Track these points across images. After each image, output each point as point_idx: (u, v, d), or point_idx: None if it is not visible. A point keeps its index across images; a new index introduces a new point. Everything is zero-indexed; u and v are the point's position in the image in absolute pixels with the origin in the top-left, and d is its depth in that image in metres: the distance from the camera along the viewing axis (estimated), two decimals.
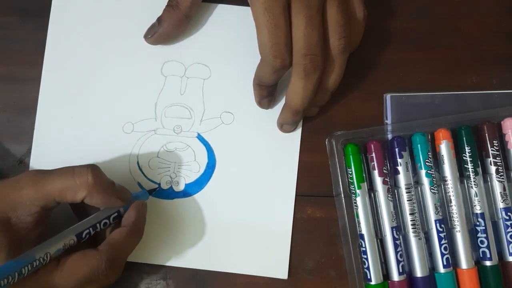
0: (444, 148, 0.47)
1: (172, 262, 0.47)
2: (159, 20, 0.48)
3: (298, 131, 0.49)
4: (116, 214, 0.44)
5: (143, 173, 0.48)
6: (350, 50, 0.46)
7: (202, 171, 0.48)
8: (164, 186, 0.48)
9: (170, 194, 0.48)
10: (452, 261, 0.47)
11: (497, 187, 0.47)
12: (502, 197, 0.47)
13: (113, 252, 0.42)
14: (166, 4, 0.47)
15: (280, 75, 0.44)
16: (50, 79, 0.49)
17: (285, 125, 0.48)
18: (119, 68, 0.49)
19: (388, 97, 0.49)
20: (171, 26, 0.48)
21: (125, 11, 0.49)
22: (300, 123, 0.49)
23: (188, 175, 0.48)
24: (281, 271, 0.47)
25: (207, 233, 0.48)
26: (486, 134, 0.47)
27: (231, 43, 0.49)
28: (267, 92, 0.47)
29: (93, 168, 0.42)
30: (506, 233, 0.47)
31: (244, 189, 0.48)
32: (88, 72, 0.49)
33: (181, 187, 0.48)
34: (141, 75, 0.49)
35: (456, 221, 0.46)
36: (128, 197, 0.44)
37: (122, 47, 0.49)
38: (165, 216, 0.48)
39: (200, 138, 0.49)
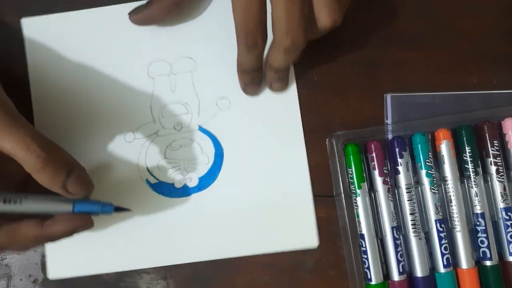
0: (445, 148, 0.47)
1: (201, 257, 0.47)
2: (148, 2, 0.47)
3: (294, 92, 0.49)
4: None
5: (154, 177, 0.48)
6: None
7: (211, 161, 0.48)
8: (178, 184, 0.48)
9: (185, 191, 0.48)
10: (452, 261, 0.47)
11: (498, 187, 0.47)
12: (502, 197, 0.47)
13: (6, 241, 0.40)
14: None
15: (255, 55, 0.44)
16: (42, 108, 0.48)
17: (273, 83, 0.47)
18: (107, 83, 0.48)
19: (388, 97, 0.49)
20: (158, 10, 0.47)
21: (97, 27, 0.49)
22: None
23: (199, 169, 0.48)
24: (310, 240, 0.48)
25: (231, 220, 0.48)
26: (487, 134, 0.47)
27: (211, 31, 0.49)
28: (250, 78, 0.47)
29: (47, 157, 0.39)
30: (507, 233, 0.47)
31: (256, 168, 0.48)
32: (78, 94, 0.48)
33: (195, 182, 0.48)
34: (130, 83, 0.49)
35: (456, 221, 0.46)
36: (81, 195, 0.41)
37: (105, 62, 0.49)
38: (186, 214, 0.48)
39: (202, 130, 0.49)
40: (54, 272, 0.47)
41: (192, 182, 0.48)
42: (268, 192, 0.48)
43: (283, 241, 0.48)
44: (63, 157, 0.41)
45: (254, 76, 0.47)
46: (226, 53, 0.49)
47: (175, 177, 0.48)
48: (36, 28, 0.49)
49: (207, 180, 0.48)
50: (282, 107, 0.49)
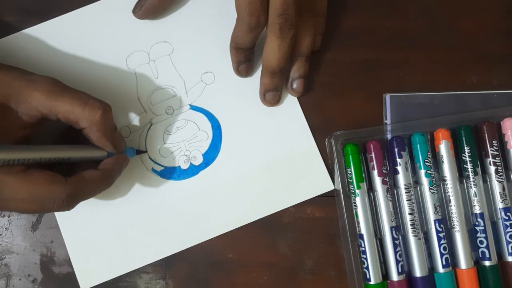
0: (444, 148, 0.47)
1: (226, 228, 0.48)
2: None
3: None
4: (99, 159, 0.44)
5: (159, 164, 0.49)
6: (322, 14, 0.48)
7: (211, 135, 0.49)
8: (184, 166, 0.49)
9: (193, 170, 0.49)
10: (452, 261, 0.47)
11: (497, 187, 0.47)
12: (501, 197, 0.47)
13: (78, 190, 0.42)
14: None
15: (255, 34, 0.45)
16: None
17: (267, 94, 0.48)
18: (90, 83, 0.48)
19: (387, 97, 0.49)
20: None
21: (73, 30, 0.49)
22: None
23: (201, 145, 0.49)
24: (325, 185, 0.49)
25: (245, 186, 0.49)
26: (486, 134, 0.47)
27: (182, 11, 0.49)
28: (244, 56, 0.47)
29: (105, 108, 0.42)
30: (506, 233, 0.47)
31: (255, 131, 0.49)
32: None
33: (200, 159, 0.49)
34: (112, 79, 0.49)
35: (455, 221, 0.46)
36: (120, 149, 0.45)
37: (84, 63, 0.49)
38: (199, 192, 0.48)
39: (193, 107, 0.49)
40: (85, 282, 0.48)
41: (197, 160, 0.49)
42: (273, 150, 0.49)
43: (300, 192, 0.49)
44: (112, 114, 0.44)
45: (248, 53, 0.48)
46: (200, 29, 0.49)
47: (179, 159, 0.49)
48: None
49: (211, 155, 0.49)
50: None
